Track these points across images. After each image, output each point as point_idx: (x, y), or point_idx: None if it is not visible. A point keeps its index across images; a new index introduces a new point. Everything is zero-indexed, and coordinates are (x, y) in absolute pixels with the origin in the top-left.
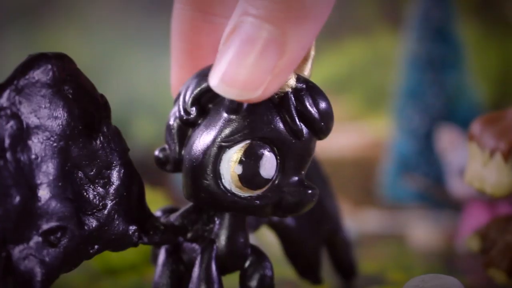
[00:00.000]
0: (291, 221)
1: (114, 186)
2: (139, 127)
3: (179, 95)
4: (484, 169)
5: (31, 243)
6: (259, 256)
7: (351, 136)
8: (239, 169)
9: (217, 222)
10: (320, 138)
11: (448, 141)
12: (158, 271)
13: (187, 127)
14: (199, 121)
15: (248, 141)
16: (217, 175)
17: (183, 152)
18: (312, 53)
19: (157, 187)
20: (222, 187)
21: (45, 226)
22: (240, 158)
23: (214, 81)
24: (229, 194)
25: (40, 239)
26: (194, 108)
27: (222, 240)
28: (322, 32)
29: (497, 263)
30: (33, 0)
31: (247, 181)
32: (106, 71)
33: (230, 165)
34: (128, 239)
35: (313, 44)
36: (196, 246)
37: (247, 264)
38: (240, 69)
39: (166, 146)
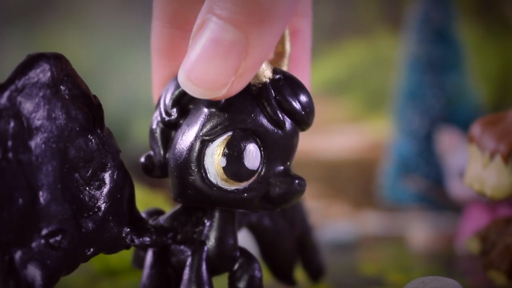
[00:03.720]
0: (269, 222)
1: (108, 188)
2: (138, 128)
3: (159, 99)
4: (484, 171)
5: (33, 246)
6: (248, 257)
7: (351, 138)
8: (223, 162)
9: (207, 224)
10: (303, 129)
11: (448, 143)
12: (146, 273)
13: (169, 129)
14: (181, 122)
15: (230, 133)
16: (202, 170)
17: (167, 155)
18: (288, 49)
19: (157, 189)
20: (208, 181)
21: (46, 229)
22: (223, 150)
23: (181, 78)
24: (215, 188)
25: (41, 242)
26: (174, 109)
27: (211, 241)
28: (322, 33)
29: (497, 265)
30: (33, 0)
31: (232, 173)
32: (105, 72)
33: (214, 158)
34: (121, 242)
35: (288, 40)
36: (184, 248)
37: (236, 265)
38: (205, 70)
39: (151, 152)
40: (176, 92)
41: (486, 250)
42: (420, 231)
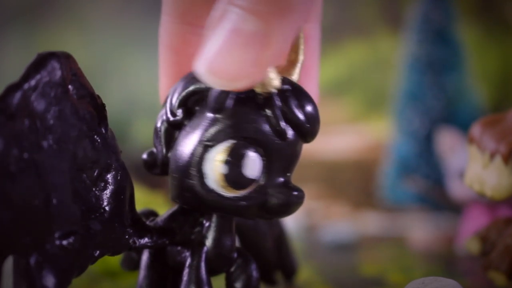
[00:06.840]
0: (251, 222)
1: (112, 189)
2: (138, 129)
3: (166, 98)
4: (484, 171)
5: (47, 249)
6: (245, 258)
7: (351, 138)
8: (223, 169)
9: (205, 225)
10: (307, 141)
11: (448, 144)
12: (142, 274)
13: (173, 129)
14: (185, 123)
15: (232, 141)
16: (201, 175)
17: (169, 154)
18: (301, 57)
19: (156, 190)
20: (206, 186)
21: (59, 231)
22: (224, 157)
23: (201, 70)
24: (213, 194)
25: (55, 244)
26: (180, 110)
27: (209, 242)
28: (322, 34)
29: (497, 265)
30: (33, 0)
31: (231, 181)
32: (105, 72)
33: (215, 164)
34: (125, 243)
35: (301, 49)
36: (182, 249)
37: (234, 266)
38: (226, 61)
39: (154, 150)
40: (184, 93)
41: (486, 251)
42: (420, 232)
